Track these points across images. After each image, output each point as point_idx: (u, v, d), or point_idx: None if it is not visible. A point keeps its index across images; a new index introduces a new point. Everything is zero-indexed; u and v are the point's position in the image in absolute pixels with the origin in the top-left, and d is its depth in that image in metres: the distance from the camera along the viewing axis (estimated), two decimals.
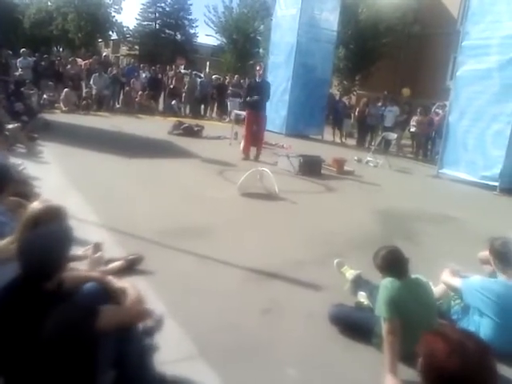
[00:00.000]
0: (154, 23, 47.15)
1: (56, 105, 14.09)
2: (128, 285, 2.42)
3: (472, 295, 3.21)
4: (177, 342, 2.87)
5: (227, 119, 16.31)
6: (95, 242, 3.70)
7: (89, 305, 2.15)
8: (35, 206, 2.63)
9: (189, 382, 2.56)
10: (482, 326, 3.13)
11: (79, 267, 3.12)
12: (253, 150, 9.86)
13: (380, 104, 15.12)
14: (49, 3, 44.62)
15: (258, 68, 10.25)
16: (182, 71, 20.47)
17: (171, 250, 4.37)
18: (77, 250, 3.44)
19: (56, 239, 2.08)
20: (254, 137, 9.90)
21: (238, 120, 12.49)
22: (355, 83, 22.69)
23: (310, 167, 8.84)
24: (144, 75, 17.86)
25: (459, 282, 3.36)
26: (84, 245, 3.75)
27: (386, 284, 2.96)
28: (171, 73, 18.60)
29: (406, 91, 17.86)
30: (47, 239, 2.05)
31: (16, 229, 2.71)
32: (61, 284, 2.11)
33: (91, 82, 15.43)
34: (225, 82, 18.94)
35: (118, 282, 2.47)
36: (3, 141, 7.13)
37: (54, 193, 5.10)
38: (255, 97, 9.69)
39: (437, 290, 3.57)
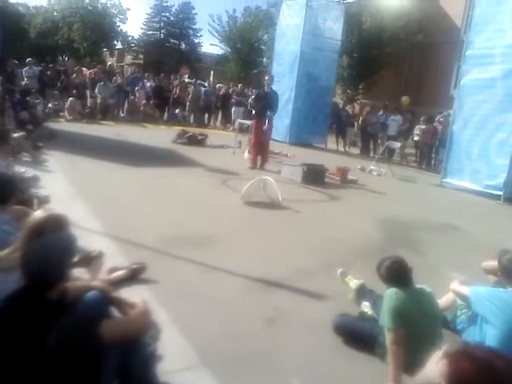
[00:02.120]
0: (158, 32, 47.53)
1: (61, 114, 14.17)
2: (137, 299, 2.42)
3: (480, 303, 3.18)
4: (179, 351, 2.86)
5: (231, 128, 16.37)
6: (98, 249, 3.66)
7: (90, 313, 2.15)
8: (38, 214, 2.63)
9: None
10: (487, 335, 3.10)
11: (81, 275, 3.11)
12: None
13: (381, 113, 15.12)
14: (54, 13, 45.20)
15: (266, 78, 10.33)
16: (186, 80, 20.56)
17: (175, 258, 4.37)
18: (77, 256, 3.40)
19: (59, 248, 2.08)
20: (260, 145, 9.94)
21: (241, 129, 12.54)
22: (359, 92, 22.71)
23: (314, 176, 8.84)
24: (148, 84, 17.96)
25: (468, 289, 3.34)
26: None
27: (390, 294, 2.95)
28: (176, 82, 18.70)
29: (405, 99, 17.80)
30: (50, 248, 2.05)
31: (19, 238, 2.71)
32: (64, 293, 2.11)
33: (96, 91, 15.54)
34: (229, 91, 19.02)
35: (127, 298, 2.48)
36: (8, 149, 7.16)
37: (58, 201, 5.13)
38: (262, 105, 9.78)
39: (443, 299, 3.55)
